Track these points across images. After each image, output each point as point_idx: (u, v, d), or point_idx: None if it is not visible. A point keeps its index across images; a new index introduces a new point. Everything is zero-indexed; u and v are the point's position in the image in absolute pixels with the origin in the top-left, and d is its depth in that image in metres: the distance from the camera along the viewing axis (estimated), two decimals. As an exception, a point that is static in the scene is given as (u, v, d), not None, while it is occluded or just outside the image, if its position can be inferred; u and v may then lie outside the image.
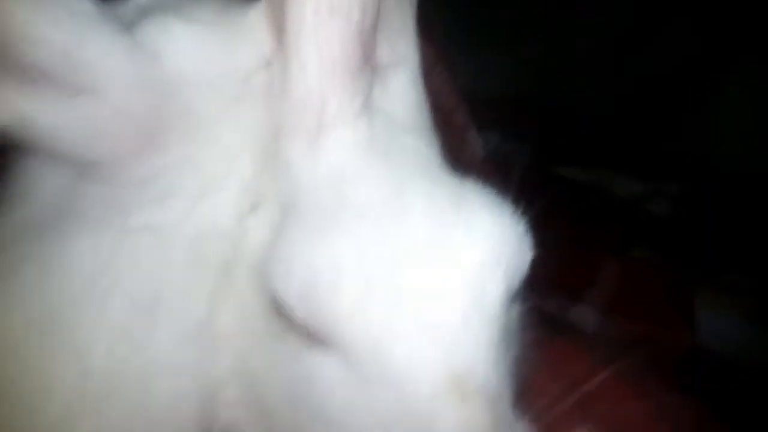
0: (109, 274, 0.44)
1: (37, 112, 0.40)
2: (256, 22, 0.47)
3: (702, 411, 0.70)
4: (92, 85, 0.41)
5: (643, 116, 1.65)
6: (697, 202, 1.47)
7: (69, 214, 0.45)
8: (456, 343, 0.41)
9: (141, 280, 0.45)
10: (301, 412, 0.44)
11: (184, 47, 0.45)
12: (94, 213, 0.45)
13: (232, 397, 0.48)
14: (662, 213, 1.47)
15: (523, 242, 0.45)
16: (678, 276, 1.19)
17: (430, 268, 0.42)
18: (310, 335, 0.42)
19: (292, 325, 0.43)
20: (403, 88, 0.50)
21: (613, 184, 1.56)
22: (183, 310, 0.45)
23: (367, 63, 0.44)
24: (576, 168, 1.59)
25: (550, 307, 1.02)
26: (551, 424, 0.46)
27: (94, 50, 0.40)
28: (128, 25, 0.44)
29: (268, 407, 0.46)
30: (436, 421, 0.39)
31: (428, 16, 0.53)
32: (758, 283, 1.21)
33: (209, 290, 0.46)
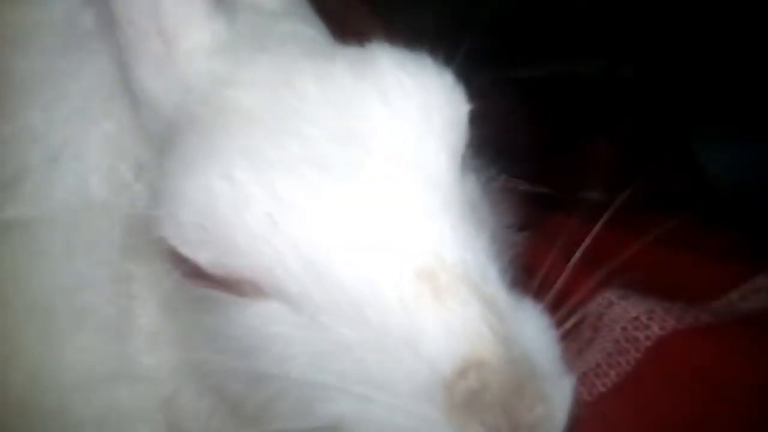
0: None
1: None
2: None
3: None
4: None
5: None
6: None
7: None
8: (409, 231, 0.33)
9: (28, 285, 0.37)
10: (262, 385, 0.36)
11: None
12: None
13: (189, 399, 0.40)
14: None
15: (453, 94, 0.37)
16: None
17: (347, 152, 0.34)
18: (232, 286, 0.34)
19: (208, 281, 0.35)
20: (261, -25, 0.42)
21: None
22: (88, 305, 0.37)
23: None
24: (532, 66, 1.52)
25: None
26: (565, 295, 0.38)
27: None
28: None
29: (228, 394, 0.38)
30: (416, 331, 0.31)
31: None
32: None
33: (115, 276, 0.38)
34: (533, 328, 0.34)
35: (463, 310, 0.32)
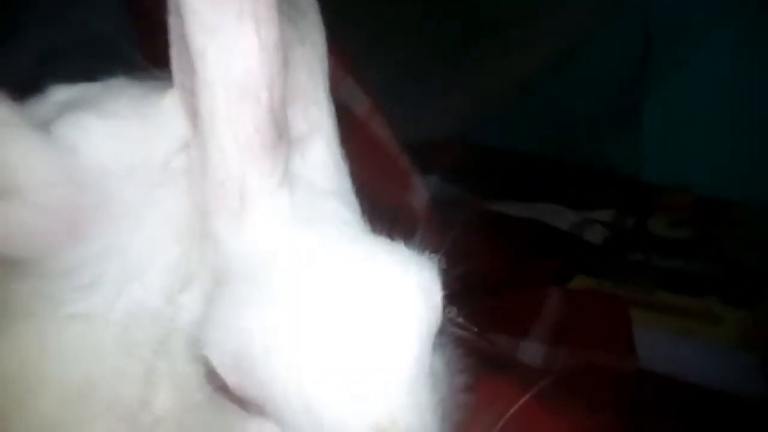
0: (39, 366, 0.44)
1: None
2: (170, 108, 0.49)
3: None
4: (12, 185, 0.42)
5: (570, 146, 1.73)
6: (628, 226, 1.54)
7: None
8: (375, 391, 0.42)
9: (71, 369, 0.45)
10: None
11: (100, 141, 0.47)
12: (22, 308, 0.45)
13: None
14: (597, 240, 1.53)
15: (432, 285, 0.47)
16: (616, 301, 1.23)
17: (352, 319, 0.44)
18: (246, 403, 0.43)
19: (228, 394, 0.44)
20: (320, 156, 0.52)
21: (552, 216, 1.62)
22: (116, 394, 0.45)
23: (282, 138, 0.47)
24: (514, 203, 1.65)
25: (499, 345, 1.05)
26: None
27: (12, 151, 0.41)
28: (44, 123, 0.45)
29: None
30: None
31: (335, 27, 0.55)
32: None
33: (143, 372, 0.47)
34: None
35: None
